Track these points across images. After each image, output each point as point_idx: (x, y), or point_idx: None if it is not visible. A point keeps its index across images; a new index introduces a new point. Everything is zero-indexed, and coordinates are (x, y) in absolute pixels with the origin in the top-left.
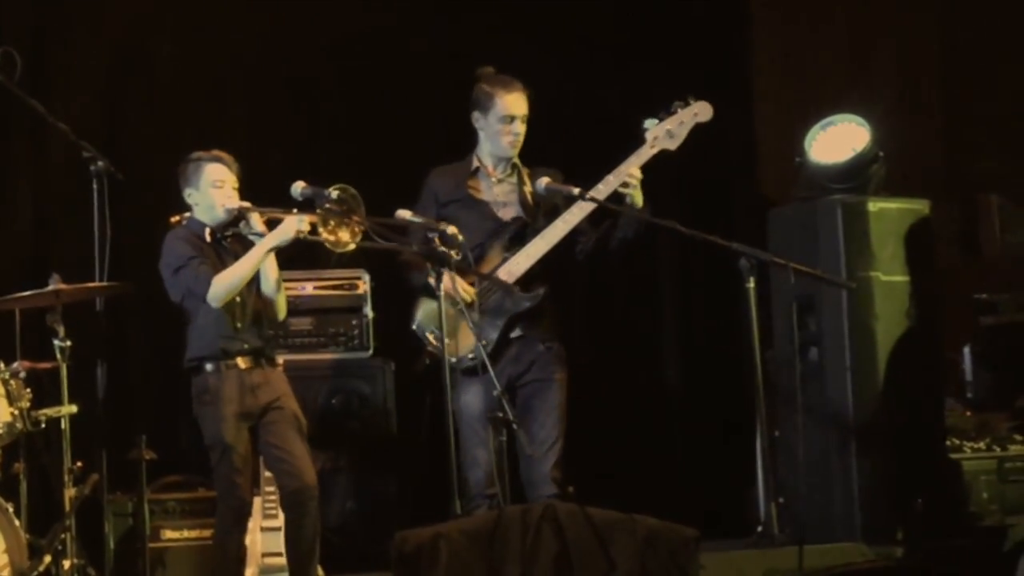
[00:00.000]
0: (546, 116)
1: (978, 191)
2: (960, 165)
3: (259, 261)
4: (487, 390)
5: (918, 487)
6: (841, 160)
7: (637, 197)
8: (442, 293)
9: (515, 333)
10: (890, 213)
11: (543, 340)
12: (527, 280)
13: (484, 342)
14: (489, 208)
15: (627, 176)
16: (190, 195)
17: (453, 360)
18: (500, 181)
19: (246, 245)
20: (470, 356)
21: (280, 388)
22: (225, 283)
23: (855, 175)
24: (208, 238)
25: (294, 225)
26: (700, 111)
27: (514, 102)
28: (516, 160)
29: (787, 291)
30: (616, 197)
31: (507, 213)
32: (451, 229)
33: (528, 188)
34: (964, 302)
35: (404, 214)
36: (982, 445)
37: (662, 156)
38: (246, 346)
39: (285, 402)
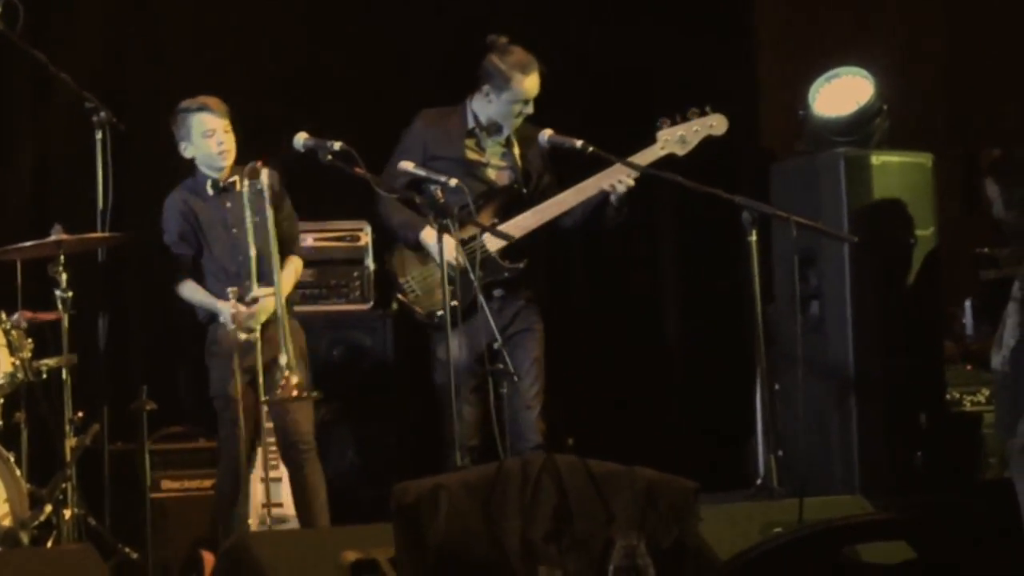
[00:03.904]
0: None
1: (981, 145)
2: (963, 119)
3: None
4: (469, 344)
5: (917, 440)
6: (845, 113)
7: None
8: (444, 246)
9: (497, 292)
10: (893, 166)
11: (523, 297)
12: (509, 249)
13: (455, 302)
14: (484, 171)
15: (625, 176)
16: (186, 148)
17: (423, 314)
18: (493, 143)
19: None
20: (439, 313)
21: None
22: (185, 295)
23: (859, 128)
24: (210, 191)
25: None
26: (716, 124)
27: (531, 85)
28: None
29: (789, 244)
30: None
31: (501, 178)
32: (453, 181)
33: (517, 151)
34: (965, 256)
35: (407, 166)
36: (981, 398)
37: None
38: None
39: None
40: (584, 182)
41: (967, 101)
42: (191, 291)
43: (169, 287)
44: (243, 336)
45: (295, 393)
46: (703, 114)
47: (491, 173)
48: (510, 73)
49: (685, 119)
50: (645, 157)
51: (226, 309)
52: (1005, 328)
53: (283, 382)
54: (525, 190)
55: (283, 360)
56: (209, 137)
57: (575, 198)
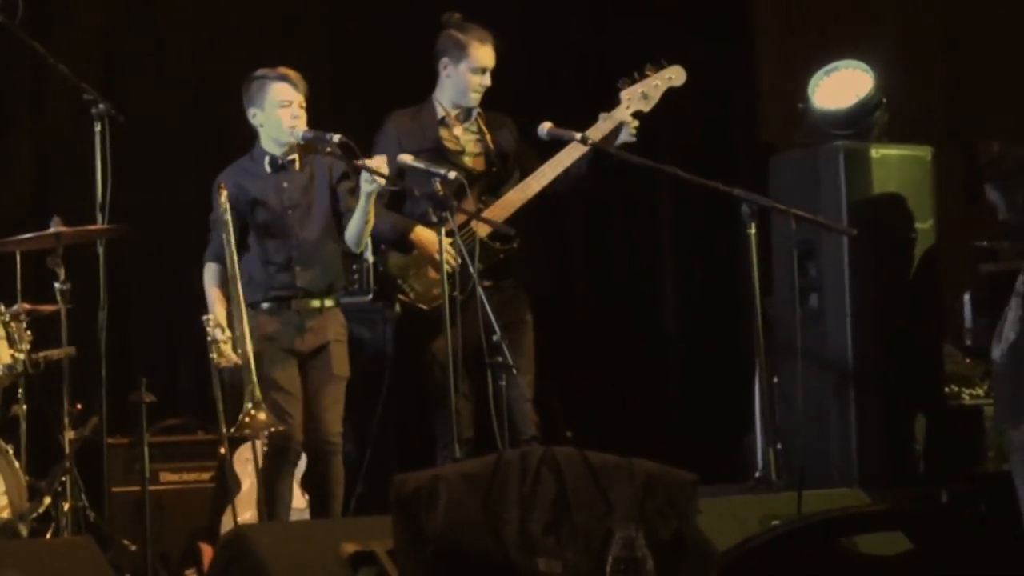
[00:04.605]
0: (539, 64)
1: (980, 138)
2: (962, 112)
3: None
4: (463, 337)
5: (916, 433)
6: (844, 106)
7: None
8: (443, 239)
9: (487, 282)
10: (892, 160)
11: (508, 287)
12: (497, 231)
13: (457, 293)
14: (461, 159)
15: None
16: (254, 115)
17: (429, 310)
18: (465, 130)
19: (295, 181)
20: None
21: (328, 334)
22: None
23: (858, 121)
24: (268, 168)
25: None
26: (675, 76)
27: (487, 54)
28: (478, 108)
29: (788, 237)
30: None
31: (478, 164)
32: (452, 173)
33: (489, 136)
34: (965, 249)
35: (406, 159)
36: (980, 392)
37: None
38: (271, 293)
39: (329, 349)
40: (558, 155)
41: (967, 94)
42: (207, 278)
43: (166, 280)
44: (223, 363)
45: (259, 430)
46: (660, 68)
47: (468, 160)
48: (467, 41)
49: (644, 76)
50: (613, 118)
51: (209, 328)
52: (1006, 321)
53: (247, 419)
54: (504, 172)
55: (249, 398)
56: (285, 107)
57: (553, 171)
